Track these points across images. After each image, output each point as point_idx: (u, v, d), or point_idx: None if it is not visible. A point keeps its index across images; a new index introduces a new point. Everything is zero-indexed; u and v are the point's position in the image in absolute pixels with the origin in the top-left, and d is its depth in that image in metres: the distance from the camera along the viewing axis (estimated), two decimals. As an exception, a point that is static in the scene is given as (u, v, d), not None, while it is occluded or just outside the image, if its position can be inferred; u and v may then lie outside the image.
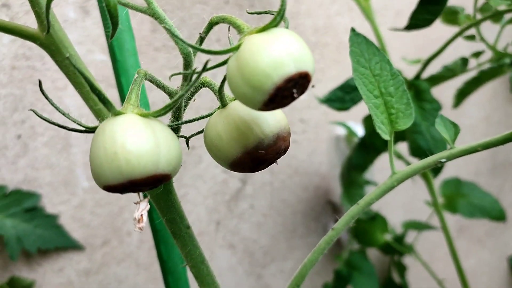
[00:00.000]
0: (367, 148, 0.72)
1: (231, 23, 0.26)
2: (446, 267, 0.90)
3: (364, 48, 0.35)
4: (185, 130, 0.31)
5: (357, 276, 0.78)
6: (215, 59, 0.26)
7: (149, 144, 0.22)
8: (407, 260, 0.89)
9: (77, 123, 0.26)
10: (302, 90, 0.23)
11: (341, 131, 0.79)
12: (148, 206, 0.24)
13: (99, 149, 0.22)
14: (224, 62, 0.25)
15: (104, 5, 0.23)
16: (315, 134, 0.82)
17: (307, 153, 0.82)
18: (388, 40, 0.88)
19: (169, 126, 0.27)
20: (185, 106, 0.28)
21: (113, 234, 0.66)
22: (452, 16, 0.62)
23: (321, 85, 0.81)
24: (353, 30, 0.36)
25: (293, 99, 0.23)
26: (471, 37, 0.65)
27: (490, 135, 0.34)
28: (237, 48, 0.24)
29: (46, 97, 0.25)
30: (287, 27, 0.26)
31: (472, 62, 0.68)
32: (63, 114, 0.26)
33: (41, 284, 0.62)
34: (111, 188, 0.23)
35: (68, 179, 0.63)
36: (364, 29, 0.80)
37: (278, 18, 0.24)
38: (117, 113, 0.24)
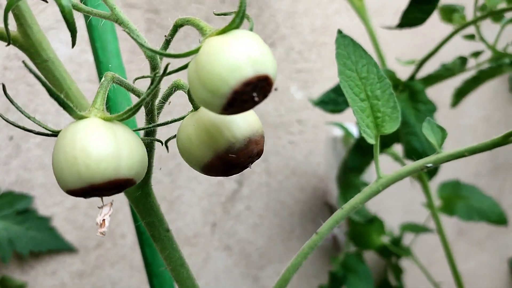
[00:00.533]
0: (363, 150, 0.72)
1: (194, 25, 0.25)
2: (444, 269, 0.89)
3: (351, 51, 0.35)
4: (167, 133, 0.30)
5: (353, 278, 0.77)
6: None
7: (109, 148, 0.22)
8: (405, 263, 0.89)
9: (43, 127, 0.26)
10: (264, 94, 0.22)
11: (338, 132, 0.79)
12: (111, 211, 0.24)
13: (59, 153, 0.22)
14: (186, 66, 0.24)
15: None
16: (313, 135, 0.82)
17: (304, 154, 0.81)
18: (386, 40, 0.88)
19: (140, 129, 0.26)
20: (160, 108, 0.28)
21: (107, 236, 0.65)
22: (452, 15, 0.61)
23: (319, 85, 0.80)
24: (339, 32, 0.35)
25: (255, 103, 0.22)
26: (471, 37, 0.64)
27: (490, 135, 0.33)
28: (197, 51, 0.24)
29: (11, 101, 0.25)
30: (251, 28, 0.25)
31: (472, 62, 0.67)
32: (29, 117, 0.25)
33: (34, 287, 0.61)
34: (72, 192, 0.22)
35: (61, 180, 0.62)
36: (362, 28, 0.79)
37: (237, 20, 0.24)
38: (79, 117, 0.24)
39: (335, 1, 0.81)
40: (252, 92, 0.21)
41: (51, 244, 0.61)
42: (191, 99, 0.27)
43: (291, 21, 0.77)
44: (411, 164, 0.33)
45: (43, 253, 0.62)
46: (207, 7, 0.69)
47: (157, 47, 0.69)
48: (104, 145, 0.22)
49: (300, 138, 0.80)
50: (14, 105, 0.26)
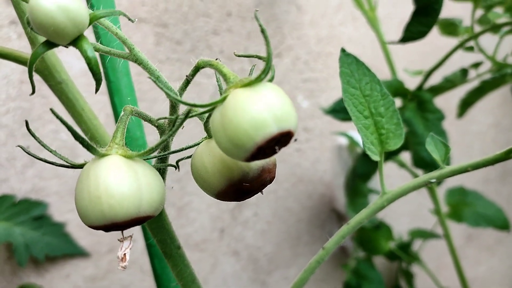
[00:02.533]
0: (369, 158, 0.73)
1: (217, 70, 0.26)
2: (454, 275, 0.90)
3: (355, 69, 0.35)
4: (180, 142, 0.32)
5: (366, 286, 0.78)
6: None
7: (131, 188, 0.23)
8: (415, 267, 0.89)
9: (64, 160, 0.27)
10: (284, 145, 0.23)
11: (343, 141, 0.80)
12: (131, 244, 0.25)
13: (83, 192, 0.23)
14: (208, 110, 0.25)
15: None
16: (319, 143, 0.83)
17: (311, 161, 0.83)
18: (393, 49, 0.89)
19: (155, 157, 0.27)
20: (173, 134, 0.30)
21: (119, 242, 0.68)
22: (450, 28, 0.62)
23: (325, 95, 0.82)
24: (343, 50, 0.36)
25: (275, 152, 0.23)
26: (470, 48, 0.65)
27: (499, 141, 0.34)
28: (221, 101, 0.24)
29: (34, 136, 0.26)
30: (272, 78, 0.26)
31: (474, 73, 0.69)
32: (50, 151, 0.27)
33: (49, 290, 0.64)
34: (95, 227, 0.23)
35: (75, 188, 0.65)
36: (368, 38, 0.81)
37: (263, 76, 0.25)
38: (101, 155, 0.25)
39: (340, 12, 0.83)
40: (275, 146, 0.23)
41: (65, 249, 0.63)
42: (206, 129, 0.28)
43: (297, 32, 0.79)
44: (415, 180, 0.34)
45: (58, 258, 0.64)
46: (215, 20, 0.71)
47: (166, 59, 0.72)
48: (126, 185, 0.23)
49: (306, 146, 0.82)
50: (37, 140, 0.27)
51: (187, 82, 0.27)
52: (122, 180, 0.23)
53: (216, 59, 0.27)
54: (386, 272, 0.95)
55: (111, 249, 0.67)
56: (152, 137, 0.64)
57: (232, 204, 0.76)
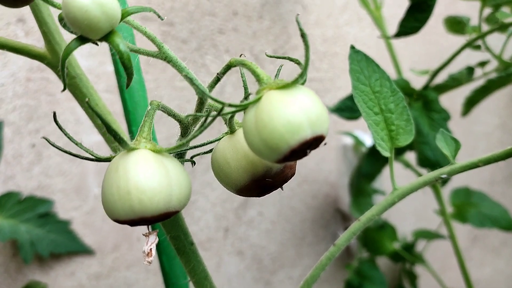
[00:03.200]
0: (376, 157, 0.73)
1: (250, 71, 0.26)
2: (459, 276, 0.90)
3: (364, 66, 0.35)
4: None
5: (368, 285, 0.78)
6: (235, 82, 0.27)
7: (162, 184, 0.23)
8: (418, 268, 0.89)
9: (90, 153, 0.27)
10: (315, 148, 0.24)
11: (348, 141, 0.80)
12: (157, 239, 0.25)
13: (112, 187, 0.23)
14: (240, 110, 0.25)
15: (117, 57, 0.24)
16: (324, 142, 0.83)
17: (316, 161, 0.83)
18: (398, 49, 0.89)
19: (176, 148, 0.27)
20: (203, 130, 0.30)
21: (123, 240, 0.68)
22: (457, 26, 0.62)
23: (330, 95, 0.82)
24: (352, 47, 0.36)
25: (306, 155, 0.24)
26: (477, 47, 0.65)
27: (505, 142, 0.34)
28: (255, 102, 0.25)
29: (61, 128, 0.26)
30: (304, 81, 0.27)
31: (480, 71, 0.68)
32: (76, 144, 0.26)
33: (53, 287, 0.64)
34: (121, 222, 0.23)
35: (80, 186, 0.65)
36: (374, 39, 0.81)
37: (300, 80, 0.25)
38: (130, 149, 0.25)
39: (346, 12, 0.83)
40: (307, 149, 0.23)
41: (70, 247, 0.63)
42: (230, 124, 0.28)
43: (303, 32, 0.79)
44: (425, 175, 0.34)
45: (62, 255, 0.65)
46: (220, 19, 0.71)
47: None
48: (156, 180, 0.23)
49: (311, 145, 0.82)
50: (63, 131, 0.27)
51: (217, 80, 0.27)
52: (152, 175, 0.23)
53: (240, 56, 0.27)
54: (390, 272, 0.94)
55: (115, 247, 0.67)
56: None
57: (237, 203, 0.76)
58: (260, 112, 0.23)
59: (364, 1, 0.65)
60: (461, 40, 0.64)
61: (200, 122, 0.25)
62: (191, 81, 0.25)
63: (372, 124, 0.34)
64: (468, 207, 0.78)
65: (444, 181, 0.71)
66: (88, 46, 0.65)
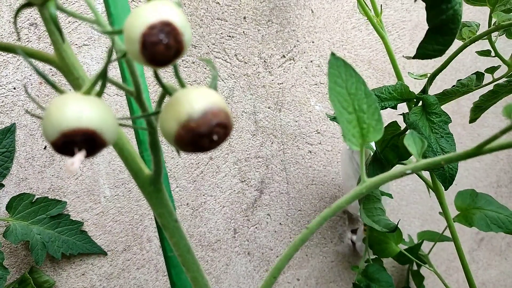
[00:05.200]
0: (381, 162, 0.73)
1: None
2: (465, 278, 0.90)
3: (342, 70, 0.39)
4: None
5: (375, 287, 0.78)
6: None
7: (73, 106, 0.26)
8: (425, 270, 0.90)
9: None
10: (173, 38, 0.26)
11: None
12: (83, 157, 0.27)
13: (44, 117, 0.27)
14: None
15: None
16: (331, 145, 0.84)
17: (323, 163, 0.83)
18: (407, 53, 0.90)
19: (93, 84, 0.30)
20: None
21: (134, 241, 0.69)
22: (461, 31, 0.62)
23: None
24: (333, 54, 0.39)
25: (167, 46, 0.26)
26: (486, 52, 0.65)
27: None
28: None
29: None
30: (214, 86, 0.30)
31: (489, 77, 0.68)
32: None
33: None
34: (53, 144, 0.26)
35: (92, 188, 0.66)
36: (381, 43, 0.81)
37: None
38: (62, 92, 0.29)
39: (353, 16, 0.84)
40: (159, 34, 0.25)
41: (81, 248, 0.64)
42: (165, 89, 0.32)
43: (311, 36, 0.80)
44: (391, 171, 0.36)
45: (73, 256, 0.66)
46: (230, 23, 0.72)
47: (182, 62, 0.73)
48: (70, 103, 0.26)
49: (319, 148, 0.83)
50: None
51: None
52: (66, 100, 0.27)
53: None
54: (398, 273, 0.95)
55: (126, 248, 0.68)
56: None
57: (245, 205, 0.77)
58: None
59: (364, 9, 0.65)
60: (471, 45, 0.64)
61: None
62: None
63: (344, 122, 0.37)
64: (473, 210, 0.78)
65: (448, 183, 0.71)
66: (100, 49, 0.66)
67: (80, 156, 0.27)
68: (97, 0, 0.64)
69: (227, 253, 0.77)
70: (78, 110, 0.26)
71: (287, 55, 0.78)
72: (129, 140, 0.34)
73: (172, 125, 0.29)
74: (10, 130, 0.61)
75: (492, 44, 0.63)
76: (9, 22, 0.60)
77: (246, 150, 0.76)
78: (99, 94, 0.28)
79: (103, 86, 0.28)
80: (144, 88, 0.45)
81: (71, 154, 0.26)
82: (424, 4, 0.56)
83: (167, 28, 0.26)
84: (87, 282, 0.66)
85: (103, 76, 0.28)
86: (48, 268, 0.64)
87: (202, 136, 0.29)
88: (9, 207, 0.60)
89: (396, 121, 0.68)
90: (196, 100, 0.29)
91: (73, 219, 0.64)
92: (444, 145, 0.62)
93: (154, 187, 0.34)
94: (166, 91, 0.31)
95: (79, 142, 0.26)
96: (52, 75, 0.62)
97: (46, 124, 0.26)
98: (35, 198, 0.62)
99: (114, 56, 0.28)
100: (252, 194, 0.78)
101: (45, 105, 0.62)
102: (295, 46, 0.78)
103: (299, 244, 0.36)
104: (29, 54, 0.35)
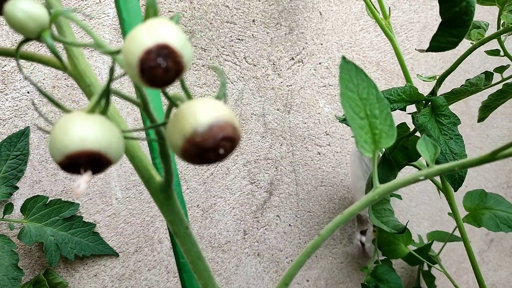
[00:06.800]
0: (390, 163, 0.73)
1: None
2: (475, 279, 0.90)
3: (354, 75, 0.38)
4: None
5: (385, 288, 0.79)
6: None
7: (77, 128, 0.26)
8: (435, 271, 0.90)
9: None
10: (172, 61, 0.26)
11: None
12: (89, 179, 0.27)
13: (50, 139, 0.27)
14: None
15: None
16: (340, 147, 0.84)
17: (332, 165, 0.84)
18: (415, 54, 0.90)
19: (97, 103, 0.30)
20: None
21: (145, 242, 0.70)
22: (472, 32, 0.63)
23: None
24: (343, 58, 0.38)
25: (165, 70, 0.25)
26: (495, 52, 0.65)
27: None
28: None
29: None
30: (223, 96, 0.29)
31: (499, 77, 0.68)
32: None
33: (78, 288, 0.66)
34: (59, 164, 0.26)
35: (104, 190, 0.67)
36: (389, 44, 0.82)
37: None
38: (68, 112, 0.29)
39: (361, 18, 0.84)
40: (156, 58, 0.25)
41: (94, 249, 0.65)
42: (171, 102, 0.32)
43: (320, 38, 0.80)
44: (405, 177, 0.35)
45: (86, 257, 0.66)
46: (239, 26, 0.73)
47: (192, 65, 0.73)
48: (74, 124, 0.26)
49: (328, 149, 0.83)
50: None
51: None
52: (71, 121, 0.27)
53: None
54: (407, 274, 0.95)
55: (137, 249, 0.69)
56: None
57: (255, 206, 0.77)
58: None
59: (372, 12, 0.66)
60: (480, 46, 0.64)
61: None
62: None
63: (356, 128, 0.36)
64: (482, 211, 0.78)
65: (458, 185, 0.71)
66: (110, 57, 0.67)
67: (85, 177, 0.27)
68: (109, 4, 0.65)
69: (237, 254, 0.77)
70: (81, 132, 0.26)
71: (295, 57, 0.78)
72: (141, 147, 0.34)
73: (178, 139, 0.29)
74: (24, 134, 0.62)
75: (501, 43, 0.63)
76: (23, 27, 0.61)
77: (256, 152, 0.77)
78: (104, 111, 0.28)
79: (107, 103, 0.28)
80: (155, 96, 0.46)
81: (77, 172, 0.26)
82: (432, 5, 0.57)
83: (165, 51, 0.25)
84: (99, 283, 0.67)
85: (106, 93, 0.28)
86: (62, 269, 0.65)
87: (208, 150, 0.29)
88: (24, 209, 0.61)
89: (405, 122, 0.68)
90: (201, 114, 0.29)
91: (86, 220, 0.65)
92: (453, 146, 0.62)
93: (165, 194, 0.34)
94: (172, 103, 0.31)
95: (84, 163, 0.26)
96: (65, 78, 0.63)
97: (51, 146, 0.26)
98: (48, 200, 0.62)
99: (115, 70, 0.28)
100: (261, 195, 0.78)
101: (57, 108, 0.63)
102: (303, 49, 0.79)
103: (311, 251, 0.36)
104: (43, 61, 0.35)
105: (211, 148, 0.29)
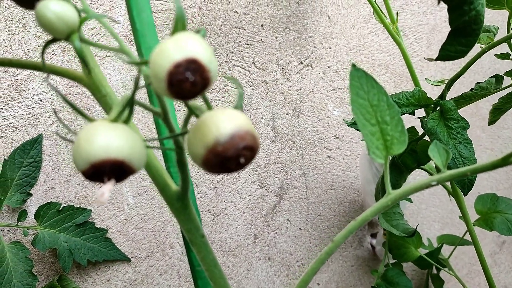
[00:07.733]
0: (399, 167, 0.73)
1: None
2: (486, 281, 0.90)
3: (364, 82, 0.38)
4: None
5: (395, 291, 0.79)
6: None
7: (101, 137, 0.27)
8: (446, 274, 0.90)
9: None
10: (200, 76, 0.26)
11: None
12: (112, 187, 0.28)
13: (74, 147, 0.27)
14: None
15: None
16: (350, 150, 0.84)
17: (342, 168, 0.84)
18: (423, 56, 0.90)
19: (121, 112, 0.30)
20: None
21: (157, 247, 0.70)
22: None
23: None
24: (353, 65, 0.39)
25: (193, 84, 0.26)
26: (505, 55, 0.65)
27: None
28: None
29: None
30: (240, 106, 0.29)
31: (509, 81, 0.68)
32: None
33: (91, 293, 0.67)
34: (83, 173, 0.27)
35: (115, 196, 0.67)
36: (398, 47, 0.81)
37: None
38: (91, 120, 0.29)
39: (370, 21, 0.84)
40: (185, 73, 0.25)
41: (106, 255, 0.66)
42: (191, 111, 0.32)
43: (328, 42, 0.80)
44: (416, 182, 0.36)
45: (99, 263, 0.67)
46: (248, 31, 0.73)
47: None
48: (97, 134, 0.27)
49: (337, 153, 0.83)
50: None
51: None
52: (95, 131, 0.27)
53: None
54: (418, 277, 0.95)
55: (149, 254, 0.70)
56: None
57: (265, 210, 0.78)
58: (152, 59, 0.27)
59: (380, 16, 0.66)
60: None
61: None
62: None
63: (368, 134, 0.36)
64: (494, 214, 0.78)
65: (467, 188, 0.71)
66: (122, 62, 0.67)
67: (109, 186, 0.28)
68: (119, 12, 0.65)
69: (247, 258, 0.78)
70: (106, 141, 0.27)
71: (304, 61, 0.78)
72: (156, 156, 0.34)
73: (200, 149, 0.29)
74: (37, 141, 0.62)
75: (511, 47, 0.63)
76: (35, 36, 0.62)
77: (265, 156, 0.77)
78: (127, 120, 0.29)
79: (130, 113, 0.29)
80: (170, 106, 0.46)
81: (101, 181, 0.27)
82: (441, 6, 0.56)
83: (193, 65, 0.26)
84: (112, 288, 0.68)
85: (130, 103, 0.29)
86: (75, 274, 0.66)
87: (229, 159, 0.30)
88: (37, 215, 0.62)
89: (414, 126, 0.68)
90: (223, 124, 0.29)
91: (98, 226, 0.66)
92: (462, 151, 0.62)
93: (181, 203, 0.34)
94: (193, 113, 0.31)
95: (108, 172, 0.27)
96: (77, 86, 0.64)
97: (75, 155, 0.27)
98: (61, 207, 0.63)
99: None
100: (271, 199, 0.78)
101: (70, 116, 0.64)
102: (312, 53, 0.79)
103: (325, 258, 0.36)
104: (58, 73, 0.36)
105: (232, 157, 0.30)
